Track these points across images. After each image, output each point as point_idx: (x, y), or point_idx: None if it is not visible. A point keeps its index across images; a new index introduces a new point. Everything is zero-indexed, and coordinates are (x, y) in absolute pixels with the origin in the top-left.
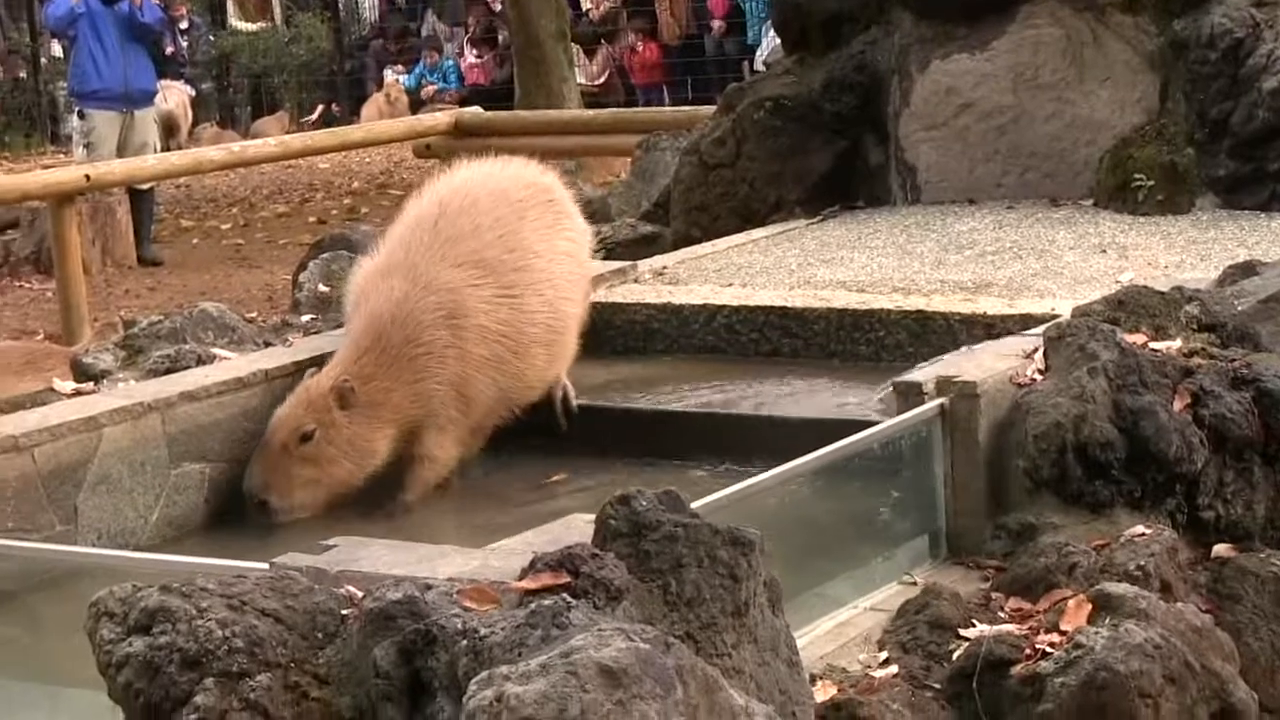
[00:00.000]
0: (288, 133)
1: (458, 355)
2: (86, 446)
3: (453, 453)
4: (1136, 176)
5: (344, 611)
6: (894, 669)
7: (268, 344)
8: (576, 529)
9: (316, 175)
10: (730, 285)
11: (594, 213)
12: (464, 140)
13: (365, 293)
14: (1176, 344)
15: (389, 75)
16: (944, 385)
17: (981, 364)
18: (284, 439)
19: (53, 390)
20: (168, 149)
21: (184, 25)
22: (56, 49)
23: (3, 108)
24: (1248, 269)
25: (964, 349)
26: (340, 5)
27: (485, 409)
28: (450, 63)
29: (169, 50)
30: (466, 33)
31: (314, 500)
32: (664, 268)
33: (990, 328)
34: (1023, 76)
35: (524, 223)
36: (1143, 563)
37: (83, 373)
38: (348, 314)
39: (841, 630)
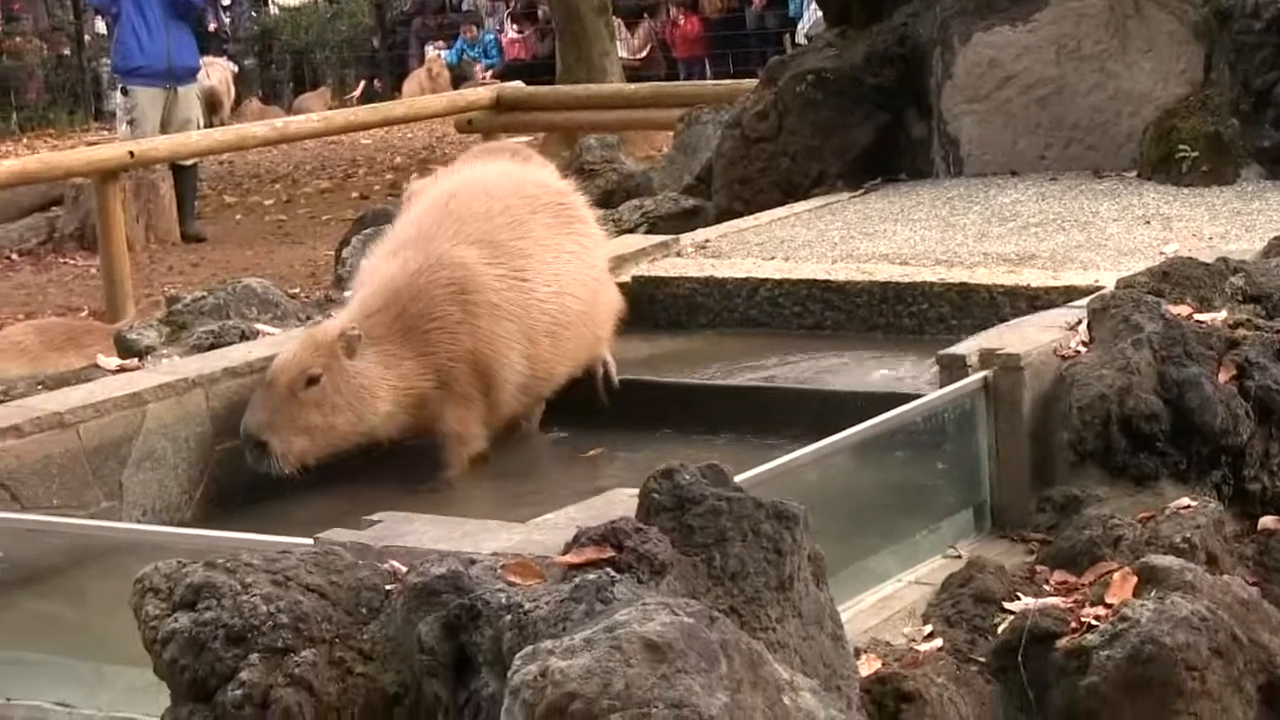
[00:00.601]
0: (330, 108)
1: (470, 331)
2: (131, 423)
3: (477, 430)
4: (1180, 148)
5: (388, 587)
6: (938, 642)
7: (311, 319)
8: (620, 503)
9: (359, 151)
10: (772, 259)
11: (636, 186)
12: (505, 115)
13: (375, 266)
14: (1221, 315)
15: (430, 51)
16: (987, 358)
17: (1025, 336)
18: (290, 380)
19: (97, 367)
20: (211, 125)
21: (226, 1)
22: (100, 26)
23: (47, 85)
24: None
25: (1008, 322)
26: None
27: (506, 390)
28: (490, 36)
29: (211, 26)
30: (507, 8)
31: (312, 447)
32: (706, 241)
33: (1034, 300)
34: (1065, 48)
35: (534, 216)
36: (1188, 535)
37: (127, 349)
38: (355, 288)
39: (886, 604)
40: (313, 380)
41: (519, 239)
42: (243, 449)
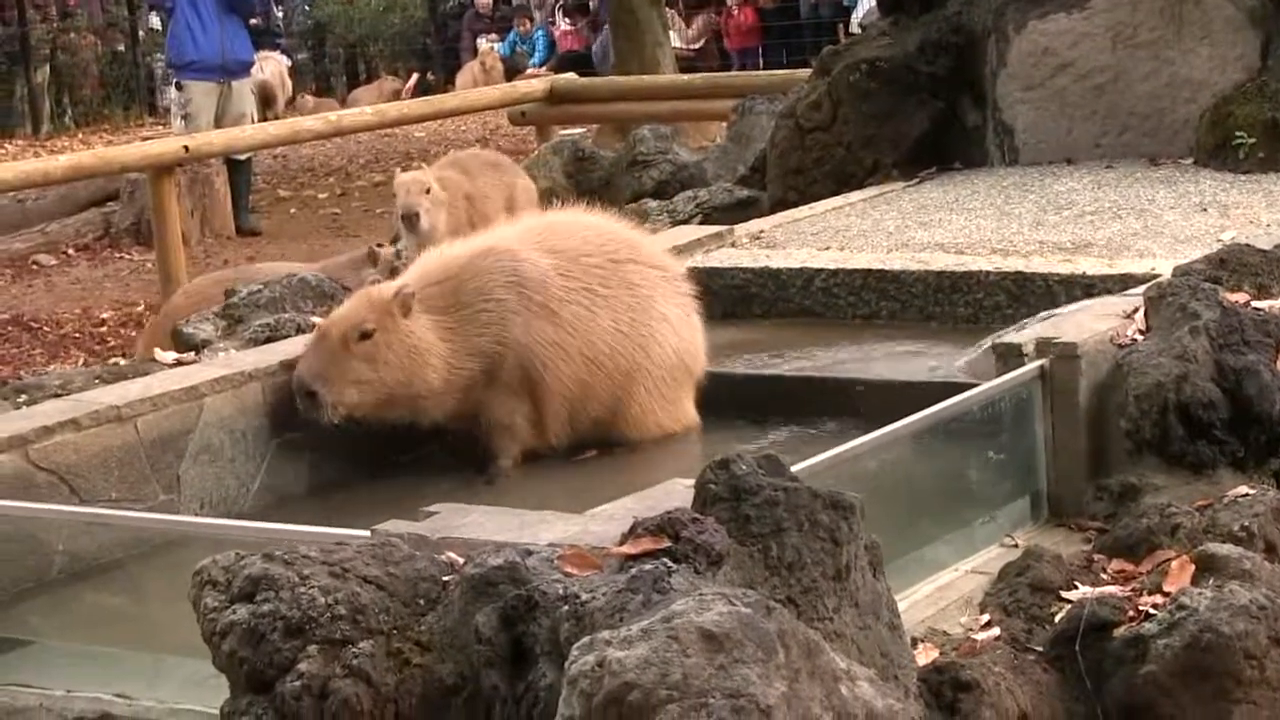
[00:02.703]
0: (389, 100)
1: (522, 324)
2: (188, 416)
3: (523, 421)
4: (1237, 134)
5: (445, 578)
6: (996, 632)
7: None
8: (676, 494)
9: (413, 144)
10: (827, 248)
11: (690, 177)
12: (559, 107)
13: (446, 247)
14: (1279, 303)
15: (483, 43)
16: (1044, 346)
17: (1081, 324)
18: (344, 332)
19: (154, 360)
20: (265, 119)
21: None
22: (155, 21)
23: (102, 80)
24: None
25: (1063, 309)
26: None
27: (553, 401)
28: (540, 32)
29: (253, 20)
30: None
31: (361, 401)
32: (761, 232)
33: (1090, 288)
34: (1121, 35)
35: (633, 265)
36: (1246, 523)
37: (184, 342)
38: (420, 261)
39: (943, 593)
40: (365, 335)
41: (603, 269)
42: (294, 397)
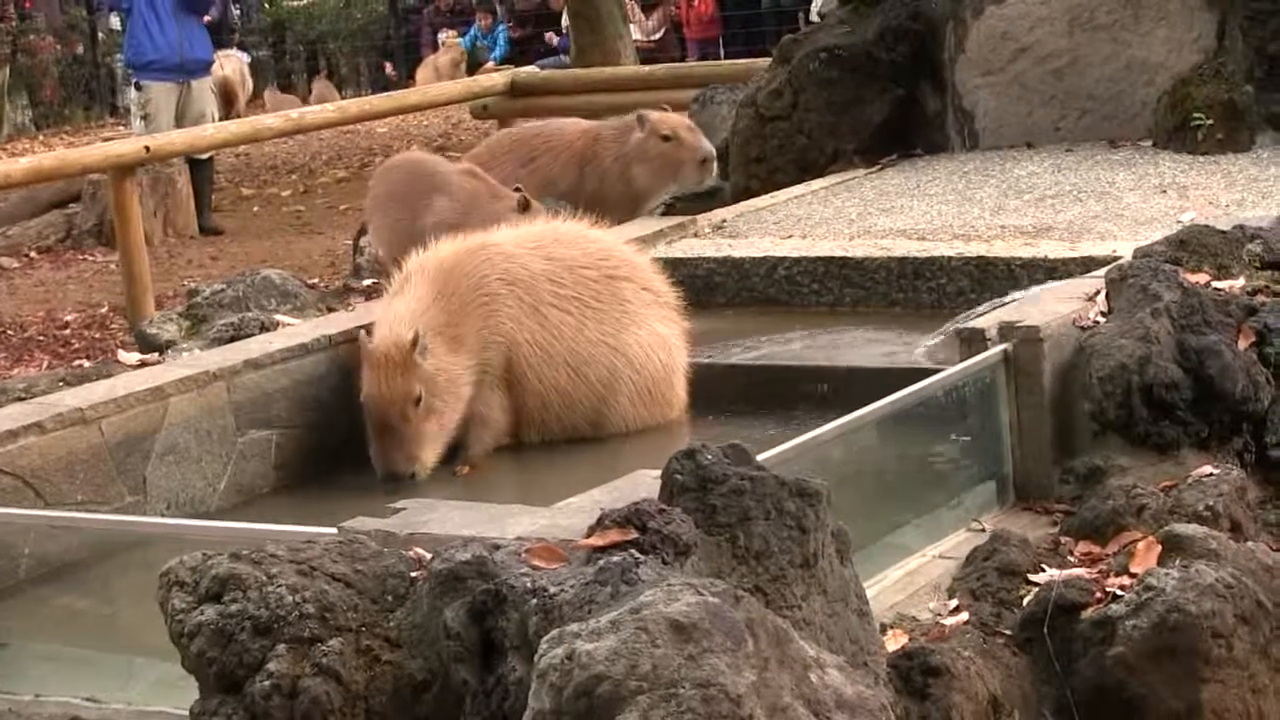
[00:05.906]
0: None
1: (513, 317)
2: (153, 417)
3: (501, 417)
4: (1195, 116)
5: (413, 574)
6: (964, 616)
7: (330, 309)
8: (643, 485)
9: (375, 140)
10: (790, 237)
11: None
12: (521, 100)
13: (430, 250)
14: (1239, 283)
15: (444, 38)
16: (1007, 330)
17: (1044, 308)
18: (401, 409)
19: (118, 362)
20: (226, 117)
21: None
22: (114, 22)
23: (62, 82)
24: None
25: (1026, 292)
26: None
27: (530, 397)
28: (502, 27)
29: (205, 19)
30: None
31: (443, 447)
32: (723, 221)
33: (1052, 272)
34: (1078, 19)
35: (628, 283)
36: (1211, 503)
37: (148, 343)
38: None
39: (911, 579)
40: (418, 401)
41: (598, 284)
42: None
